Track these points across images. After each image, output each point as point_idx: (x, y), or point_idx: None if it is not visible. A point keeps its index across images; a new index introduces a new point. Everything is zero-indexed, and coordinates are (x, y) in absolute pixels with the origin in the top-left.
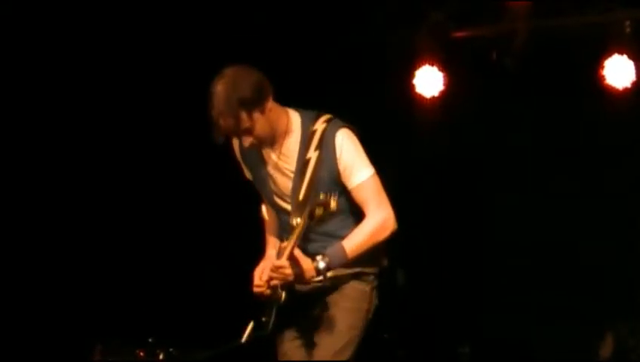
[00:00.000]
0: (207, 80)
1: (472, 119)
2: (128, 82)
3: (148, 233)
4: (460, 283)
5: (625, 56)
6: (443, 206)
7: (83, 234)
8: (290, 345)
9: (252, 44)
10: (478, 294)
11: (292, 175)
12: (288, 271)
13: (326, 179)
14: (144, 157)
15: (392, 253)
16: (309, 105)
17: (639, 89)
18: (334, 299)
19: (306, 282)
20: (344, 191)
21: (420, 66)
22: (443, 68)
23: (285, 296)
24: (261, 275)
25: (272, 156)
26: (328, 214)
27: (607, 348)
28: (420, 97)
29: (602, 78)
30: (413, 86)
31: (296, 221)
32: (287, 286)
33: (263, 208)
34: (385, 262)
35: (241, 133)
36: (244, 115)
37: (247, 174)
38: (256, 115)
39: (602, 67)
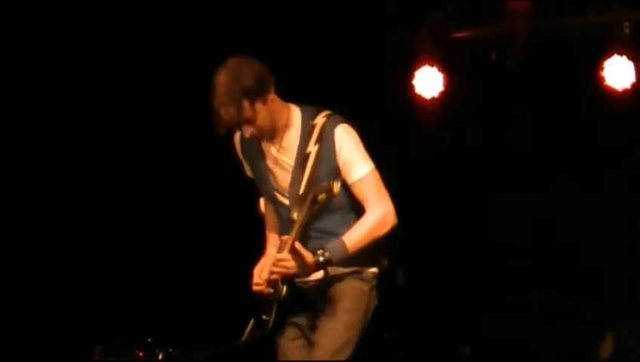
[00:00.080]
0: (207, 80)
1: (472, 120)
2: (128, 83)
3: (148, 233)
4: (459, 283)
5: (624, 57)
6: (443, 206)
7: (83, 234)
8: (290, 345)
9: (252, 44)
10: (478, 294)
11: (291, 169)
12: (290, 263)
13: (325, 173)
14: (144, 157)
15: (391, 253)
16: (309, 104)
17: (639, 90)
18: (333, 298)
19: (307, 275)
20: (343, 187)
21: (419, 67)
22: (443, 68)
23: (286, 291)
24: (261, 273)
25: (272, 150)
26: (331, 198)
27: (607, 348)
28: (420, 98)
29: (602, 78)
30: (413, 86)
31: (297, 215)
32: (289, 280)
33: (261, 202)
34: (384, 262)
35: (242, 122)
36: (246, 105)
37: (248, 171)
38: (258, 105)
39: (602, 68)
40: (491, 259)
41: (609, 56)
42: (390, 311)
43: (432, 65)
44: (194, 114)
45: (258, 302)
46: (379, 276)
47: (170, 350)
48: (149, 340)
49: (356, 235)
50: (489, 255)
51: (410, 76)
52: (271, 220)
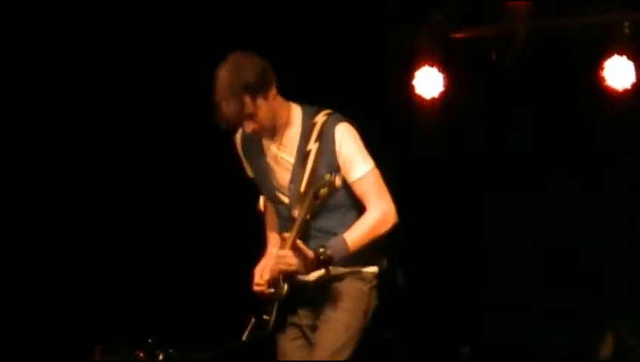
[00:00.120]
0: (207, 80)
1: (472, 120)
2: (129, 83)
3: (148, 233)
4: (459, 283)
5: (624, 57)
6: (443, 206)
7: (83, 234)
8: (290, 345)
9: (252, 44)
10: (478, 294)
11: (292, 167)
12: (292, 260)
13: (326, 171)
14: (144, 157)
15: (391, 253)
16: (310, 104)
17: (639, 90)
18: (333, 298)
19: (308, 273)
20: (344, 186)
21: (419, 67)
22: (443, 69)
23: (287, 290)
24: (262, 273)
25: (272, 148)
26: (333, 194)
27: (607, 348)
28: (420, 98)
29: (602, 79)
30: (413, 87)
31: (298, 212)
32: (290, 279)
33: (261, 201)
34: (384, 262)
35: (244, 117)
36: (247, 100)
37: (249, 171)
38: (260, 101)
39: (602, 68)
40: (491, 259)
41: (609, 56)
42: (390, 311)
43: (432, 66)
44: (194, 114)
45: (259, 302)
46: (379, 276)
47: (170, 350)
48: (150, 340)
49: (357, 233)
50: (489, 255)
51: (410, 76)
52: (271, 220)
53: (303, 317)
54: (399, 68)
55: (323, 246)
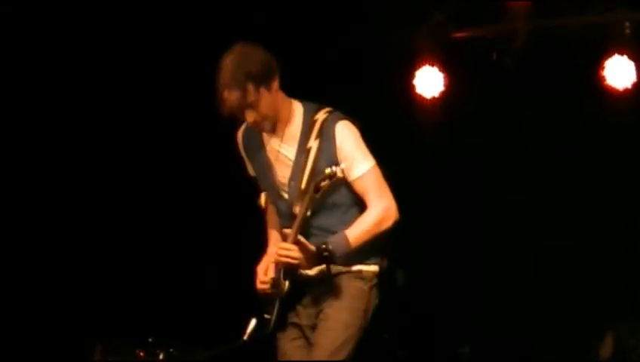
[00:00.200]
0: (207, 79)
1: (473, 119)
2: (128, 83)
3: (148, 233)
4: (460, 283)
5: (625, 57)
6: (443, 206)
7: (83, 234)
8: (290, 345)
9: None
10: (479, 294)
11: (292, 163)
12: (295, 253)
13: (326, 168)
14: (144, 157)
15: (392, 253)
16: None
17: (639, 90)
18: (333, 297)
19: (310, 268)
20: (344, 184)
21: (420, 67)
22: (443, 68)
23: (289, 287)
24: (266, 271)
25: (273, 145)
26: (335, 185)
27: (607, 348)
28: (421, 98)
29: (602, 78)
30: (413, 86)
31: (299, 208)
32: (291, 276)
33: (262, 197)
34: (385, 262)
35: (245, 106)
36: (250, 88)
37: (250, 170)
38: (262, 91)
39: (602, 68)
40: (491, 259)
41: (610, 55)
42: (390, 311)
43: (433, 65)
44: (194, 114)
45: (260, 301)
46: (379, 275)
47: (170, 350)
48: (150, 340)
49: (359, 230)
50: (489, 255)
51: (411, 76)
52: (272, 219)
53: (303, 316)
54: (399, 67)
55: (325, 243)
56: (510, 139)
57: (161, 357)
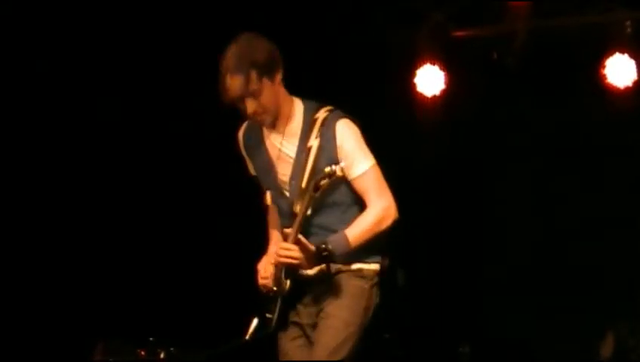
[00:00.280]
0: (206, 79)
1: (474, 118)
2: (128, 83)
3: (148, 232)
4: (460, 283)
5: (626, 56)
6: (444, 205)
7: (84, 233)
8: (291, 344)
9: None
10: (479, 294)
11: (293, 162)
12: (295, 253)
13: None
14: (144, 157)
15: (392, 252)
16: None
17: None
18: (333, 295)
19: (310, 268)
20: (344, 183)
21: (421, 65)
22: (444, 67)
23: (290, 286)
24: (266, 268)
25: (274, 143)
26: (335, 184)
27: (607, 348)
28: (421, 96)
29: (603, 77)
30: (414, 85)
31: (299, 207)
32: (292, 275)
33: (268, 195)
34: (385, 261)
35: (247, 94)
36: (253, 75)
37: (251, 169)
38: (265, 81)
39: (603, 66)
40: (492, 259)
41: (611, 54)
42: (390, 310)
43: (434, 64)
44: (194, 114)
45: (261, 300)
46: (380, 274)
47: (171, 349)
48: (151, 339)
49: (358, 229)
50: (489, 254)
51: (412, 75)
52: (273, 218)
53: (303, 315)
54: (400, 66)
55: (324, 242)
56: (511, 137)
57: (162, 356)
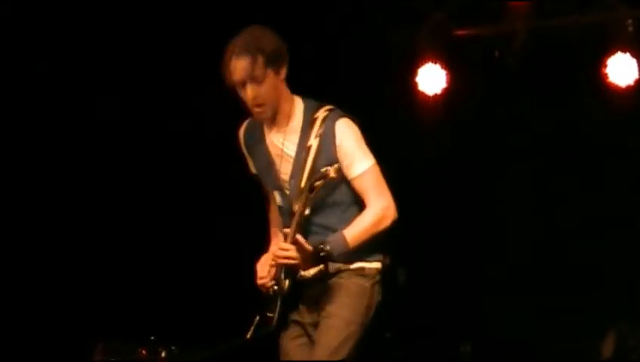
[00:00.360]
0: (205, 79)
1: (475, 117)
2: (128, 83)
3: (149, 232)
4: (461, 282)
5: (628, 55)
6: (444, 204)
7: (84, 233)
8: (292, 344)
9: None
10: (479, 293)
11: (292, 160)
12: (293, 253)
13: (325, 166)
14: (144, 156)
15: (393, 251)
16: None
17: None
18: (334, 294)
19: (308, 268)
20: (344, 182)
21: (422, 64)
22: (446, 66)
23: (289, 285)
24: (264, 267)
25: (275, 142)
26: (332, 190)
27: (608, 348)
28: (423, 95)
29: (605, 76)
30: (415, 84)
31: (297, 207)
32: (291, 273)
33: (276, 195)
34: (387, 259)
35: (250, 79)
36: (260, 61)
37: (251, 167)
38: (270, 71)
39: (605, 66)
40: (492, 259)
41: (612, 53)
42: (391, 309)
43: (435, 63)
44: (194, 114)
45: (262, 299)
46: (381, 272)
47: (172, 348)
48: (152, 338)
49: (357, 230)
50: (489, 254)
51: (413, 74)
52: (274, 216)
53: (305, 314)
54: (401, 65)
55: (322, 242)
56: (513, 136)
57: (163, 355)
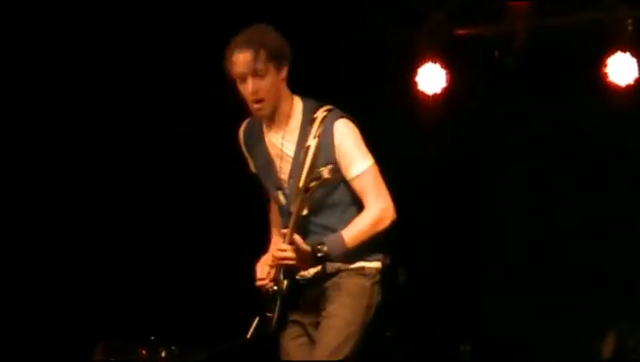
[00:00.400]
0: (205, 79)
1: (475, 116)
2: (128, 83)
3: (149, 232)
4: (461, 282)
5: (628, 54)
6: (444, 204)
7: (84, 233)
8: (292, 344)
9: None
10: (480, 293)
11: (291, 160)
12: (289, 253)
13: (333, 166)
14: (144, 156)
15: (393, 251)
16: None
17: None
18: (334, 294)
19: (306, 268)
20: (343, 183)
21: (422, 63)
22: (446, 65)
23: (288, 286)
24: (263, 268)
25: (275, 142)
26: (323, 184)
27: (608, 348)
28: (423, 95)
29: (605, 75)
30: (415, 83)
31: (294, 207)
32: (290, 275)
33: (280, 195)
34: (387, 258)
35: (252, 72)
36: (262, 55)
37: (252, 166)
38: (272, 68)
39: (604, 65)
40: (492, 259)
41: (612, 52)
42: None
43: (435, 62)
44: (194, 114)
45: (262, 299)
46: (381, 272)
47: (172, 348)
48: (152, 338)
49: (355, 230)
50: (489, 254)
51: (413, 73)
52: (274, 216)
53: (305, 314)
54: (401, 66)
55: (320, 243)
56: (513, 136)
57: (163, 354)
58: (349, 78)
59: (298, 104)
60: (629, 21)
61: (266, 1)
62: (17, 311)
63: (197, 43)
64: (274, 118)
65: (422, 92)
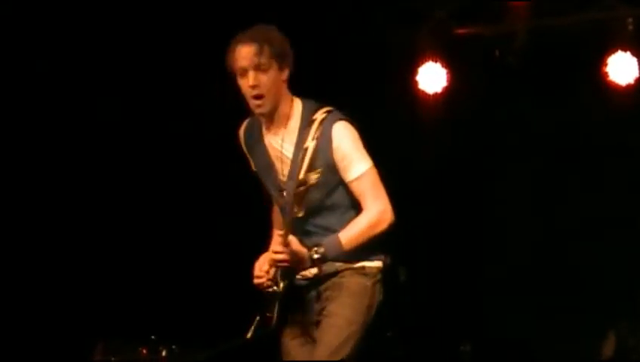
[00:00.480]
0: (206, 80)
1: (475, 115)
2: (128, 83)
3: (149, 231)
4: (461, 282)
5: (628, 53)
6: (445, 203)
7: (84, 233)
8: (293, 343)
9: None
10: (479, 293)
11: (290, 162)
12: (285, 255)
13: (323, 169)
14: (144, 156)
15: (393, 250)
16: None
17: None
18: (334, 294)
19: (303, 270)
20: (342, 185)
21: (422, 63)
22: (446, 64)
23: (285, 287)
24: (261, 267)
25: (274, 144)
26: (328, 185)
27: (608, 347)
28: (423, 94)
29: (605, 74)
30: (416, 83)
31: (289, 209)
32: (288, 274)
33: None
34: (388, 258)
35: (254, 66)
36: (266, 50)
37: (253, 165)
38: (274, 65)
39: (605, 64)
40: (492, 259)
41: (613, 52)
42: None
43: (436, 61)
44: (194, 114)
45: (262, 299)
46: (382, 271)
47: (173, 347)
48: (153, 337)
49: (352, 233)
50: (489, 254)
51: (413, 72)
52: (275, 217)
53: (306, 314)
54: (401, 66)
55: (317, 245)
56: (513, 135)
57: (163, 354)
58: (349, 78)
59: (298, 105)
60: (630, 20)
61: (266, 1)
62: (17, 311)
63: (197, 43)
64: (273, 118)
65: (422, 91)
